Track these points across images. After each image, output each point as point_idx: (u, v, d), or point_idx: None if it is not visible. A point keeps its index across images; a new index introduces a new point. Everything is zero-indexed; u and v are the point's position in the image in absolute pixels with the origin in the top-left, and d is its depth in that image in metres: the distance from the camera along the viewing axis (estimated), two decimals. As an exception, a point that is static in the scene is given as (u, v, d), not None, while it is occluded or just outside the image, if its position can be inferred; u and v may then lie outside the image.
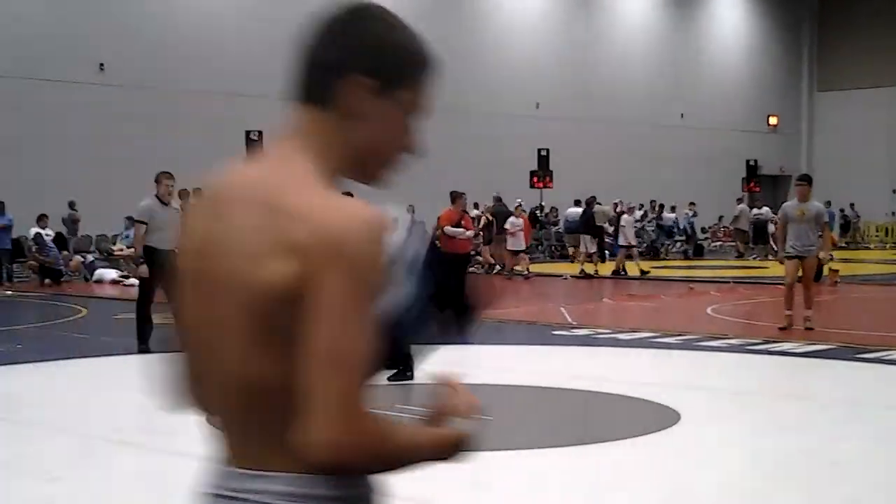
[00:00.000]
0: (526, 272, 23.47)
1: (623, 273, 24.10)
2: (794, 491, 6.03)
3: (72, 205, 25.18)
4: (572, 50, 38.40)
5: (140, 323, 11.84)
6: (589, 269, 23.67)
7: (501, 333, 13.98)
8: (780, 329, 13.03)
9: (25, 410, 8.07)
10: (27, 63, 25.77)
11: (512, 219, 23.69)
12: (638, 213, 30.48)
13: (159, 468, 6.82)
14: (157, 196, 11.86)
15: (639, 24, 41.10)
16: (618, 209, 26.65)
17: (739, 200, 33.60)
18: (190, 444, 7.29)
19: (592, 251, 24.21)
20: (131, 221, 24.44)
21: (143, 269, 11.97)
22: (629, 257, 24.62)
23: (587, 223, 24.50)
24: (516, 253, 23.77)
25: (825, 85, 47.06)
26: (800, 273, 13.09)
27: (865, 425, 8.05)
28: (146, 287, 11.99)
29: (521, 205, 25.05)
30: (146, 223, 11.72)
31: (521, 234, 23.60)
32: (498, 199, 26.38)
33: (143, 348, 11.67)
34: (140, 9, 27.95)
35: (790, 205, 13.41)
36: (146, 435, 7.80)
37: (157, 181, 11.94)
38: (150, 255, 11.76)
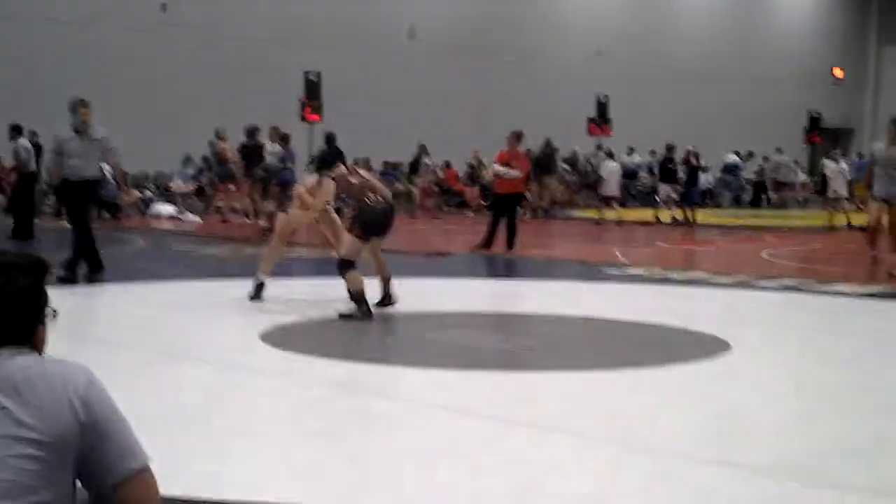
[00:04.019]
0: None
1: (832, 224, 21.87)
2: (841, 415, 6.01)
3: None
4: (634, -3, 37.93)
5: (84, 252, 11.75)
6: (665, 216, 23.59)
7: (551, 269, 14.00)
8: (890, 275, 12.62)
9: (85, 328, 8.25)
10: (89, 4, 25.98)
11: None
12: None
13: (210, 380, 6.93)
14: (72, 125, 11.64)
15: (702, -29, 40.49)
16: (692, 159, 25.20)
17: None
18: (241, 357, 7.42)
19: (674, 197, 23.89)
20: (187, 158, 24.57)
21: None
22: (838, 209, 22.40)
23: (665, 171, 24.37)
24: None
25: (892, 38, 46.03)
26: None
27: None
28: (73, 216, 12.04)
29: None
30: (61, 153, 11.66)
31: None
32: (547, 144, 26.26)
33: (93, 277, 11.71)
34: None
35: (879, 147, 13.17)
36: (199, 350, 7.94)
37: (72, 110, 11.63)
38: (64, 185, 11.91)
